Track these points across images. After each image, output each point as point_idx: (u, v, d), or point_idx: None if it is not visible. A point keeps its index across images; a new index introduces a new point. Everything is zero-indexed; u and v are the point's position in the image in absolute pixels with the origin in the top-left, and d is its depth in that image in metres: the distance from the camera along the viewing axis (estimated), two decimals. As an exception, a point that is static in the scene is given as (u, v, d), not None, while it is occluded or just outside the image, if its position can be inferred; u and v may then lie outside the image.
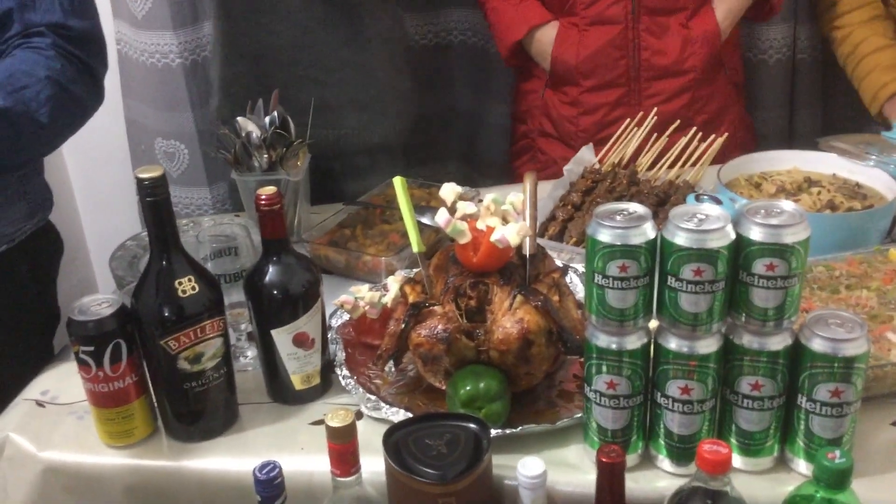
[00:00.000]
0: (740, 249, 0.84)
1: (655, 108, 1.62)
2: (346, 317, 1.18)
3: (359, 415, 1.02)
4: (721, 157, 1.48)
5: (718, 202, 1.21)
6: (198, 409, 1.02)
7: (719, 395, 0.90)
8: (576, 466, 0.94)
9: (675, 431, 0.90)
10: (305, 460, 0.98)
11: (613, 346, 0.88)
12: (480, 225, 1.02)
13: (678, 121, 1.61)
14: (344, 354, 1.13)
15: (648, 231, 0.85)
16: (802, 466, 0.91)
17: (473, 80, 2.14)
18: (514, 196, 1.04)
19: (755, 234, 0.83)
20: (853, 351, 0.85)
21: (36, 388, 1.15)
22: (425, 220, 1.32)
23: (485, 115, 2.16)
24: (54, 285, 1.46)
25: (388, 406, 1.03)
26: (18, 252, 1.33)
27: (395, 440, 0.87)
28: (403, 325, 1.01)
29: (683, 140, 1.54)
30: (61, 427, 1.07)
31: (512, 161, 1.99)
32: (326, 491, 0.88)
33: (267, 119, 1.41)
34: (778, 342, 0.87)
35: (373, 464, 0.89)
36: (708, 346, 0.87)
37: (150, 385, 1.02)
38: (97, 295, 1.00)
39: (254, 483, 0.83)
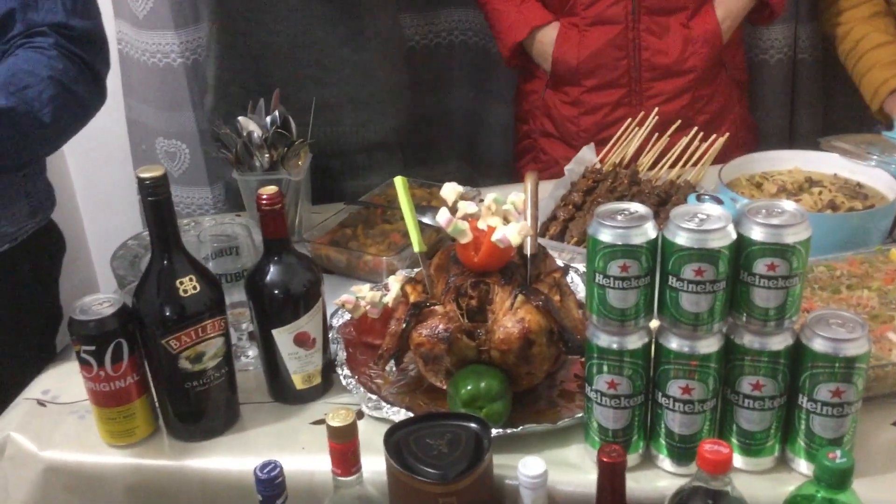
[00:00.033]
0: (741, 249, 0.84)
1: (657, 108, 1.62)
2: (348, 316, 1.18)
3: (360, 414, 1.02)
4: (722, 158, 1.48)
5: (719, 202, 1.21)
6: (199, 409, 1.02)
7: (720, 394, 0.90)
8: (577, 466, 0.94)
9: (676, 431, 0.90)
10: (306, 460, 0.98)
11: (614, 346, 0.88)
12: (482, 225, 1.02)
13: (679, 121, 1.61)
14: (345, 354, 1.13)
15: (649, 231, 0.85)
16: (803, 466, 0.91)
17: (474, 80, 2.14)
18: (516, 196, 1.04)
19: (756, 233, 0.83)
20: (854, 351, 0.85)
21: (37, 387, 1.15)
22: (426, 219, 1.33)
23: (486, 115, 2.16)
24: (56, 284, 1.46)
25: (389, 406, 1.03)
26: (21, 251, 1.33)
27: (396, 440, 0.87)
28: (404, 325, 1.01)
29: (685, 140, 1.54)
30: (62, 426, 1.07)
31: (514, 161, 1.99)
32: (327, 490, 0.88)
33: (268, 118, 1.41)
34: (779, 342, 0.87)
35: (374, 463, 0.89)
36: (709, 345, 0.87)
37: (152, 384, 1.02)
38: (98, 294, 1.00)
39: (255, 482, 0.84)
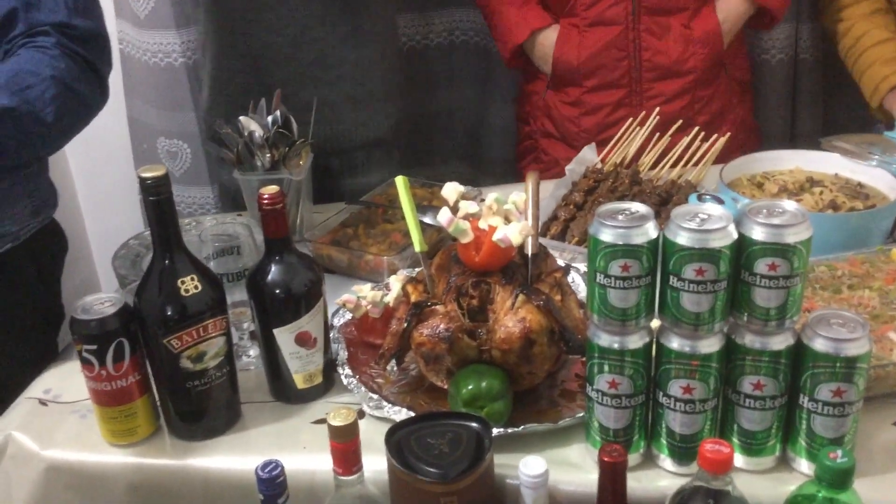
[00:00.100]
0: (742, 249, 0.84)
1: (658, 108, 1.62)
2: (349, 316, 1.18)
3: (361, 414, 1.02)
4: (722, 158, 1.48)
5: (720, 202, 1.21)
6: (200, 408, 1.02)
7: (721, 394, 0.90)
8: (578, 466, 0.94)
9: (677, 431, 0.90)
10: (308, 459, 0.98)
11: (615, 346, 0.88)
12: (483, 224, 1.02)
13: (680, 120, 1.61)
14: (346, 353, 1.13)
15: (650, 231, 0.85)
16: (804, 466, 0.91)
17: (476, 80, 2.14)
18: (517, 195, 1.04)
19: (757, 233, 0.83)
20: (855, 351, 0.85)
21: (39, 386, 1.15)
22: (427, 219, 1.33)
23: (487, 115, 2.16)
24: (58, 284, 1.47)
25: (390, 405, 1.03)
26: (23, 250, 1.33)
27: (397, 439, 0.87)
28: (405, 325, 1.01)
29: (686, 140, 1.54)
30: (64, 426, 1.07)
31: (516, 162, 1.99)
32: (328, 489, 0.89)
33: (270, 118, 1.42)
34: (780, 342, 0.87)
35: (375, 463, 0.89)
36: (710, 345, 0.87)
37: (153, 384, 1.02)
38: (100, 294, 1.00)
39: (256, 482, 0.84)
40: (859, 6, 1.73)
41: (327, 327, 1.08)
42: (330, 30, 1.56)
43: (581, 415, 0.97)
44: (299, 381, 1.06)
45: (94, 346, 0.97)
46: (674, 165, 1.53)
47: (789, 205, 0.86)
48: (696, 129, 1.55)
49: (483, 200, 1.05)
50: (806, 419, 0.89)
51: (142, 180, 0.93)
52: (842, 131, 1.49)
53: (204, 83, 1.69)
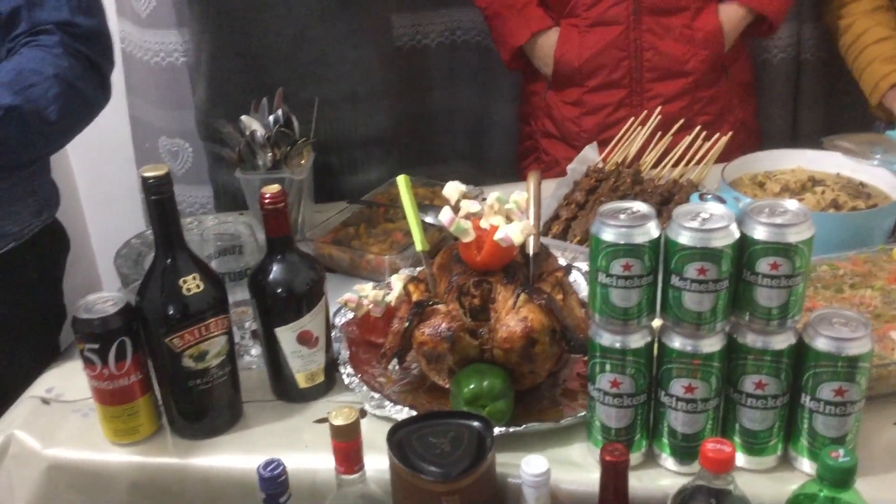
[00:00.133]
0: (744, 248, 0.84)
1: (659, 108, 1.62)
2: (350, 315, 1.18)
3: (362, 413, 1.02)
4: (724, 158, 1.48)
5: (722, 201, 1.21)
6: (202, 407, 1.02)
7: (723, 393, 0.90)
8: (579, 465, 0.94)
9: (679, 430, 0.90)
10: (309, 458, 0.98)
11: (617, 345, 0.88)
12: (484, 224, 1.02)
13: (682, 119, 1.61)
14: (348, 353, 1.13)
15: (652, 230, 0.85)
16: (806, 465, 0.91)
17: (478, 80, 2.14)
18: (518, 195, 1.04)
19: (759, 233, 0.83)
20: (857, 350, 0.85)
21: (41, 385, 1.15)
22: (429, 218, 1.33)
23: (489, 115, 2.16)
24: (60, 283, 1.47)
25: (391, 404, 1.03)
26: (25, 250, 1.33)
27: (398, 438, 0.87)
28: (407, 324, 1.01)
29: (688, 139, 1.54)
30: (66, 424, 1.07)
31: (518, 162, 1.99)
32: (330, 488, 0.89)
33: (271, 118, 1.42)
34: (782, 341, 0.87)
35: (376, 462, 0.89)
36: (712, 344, 0.87)
37: (155, 383, 1.03)
38: (102, 293, 1.01)
39: (258, 480, 0.84)
40: (860, 3, 1.73)
41: (329, 326, 1.08)
42: (329, 28, 1.56)
43: (583, 414, 0.97)
44: (301, 381, 1.06)
45: (97, 345, 0.97)
46: (675, 165, 1.53)
47: (791, 204, 0.86)
48: (698, 128, 1.55)
49: (485, 200, 1.05)
50: (808, 418, 0.89)
51: (144, 180, 0.93)
52: (844, 131, 1.49)
53: (198, 83, 1.68)
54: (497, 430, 0.93)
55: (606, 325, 0.88)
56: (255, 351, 1.16)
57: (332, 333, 1.12)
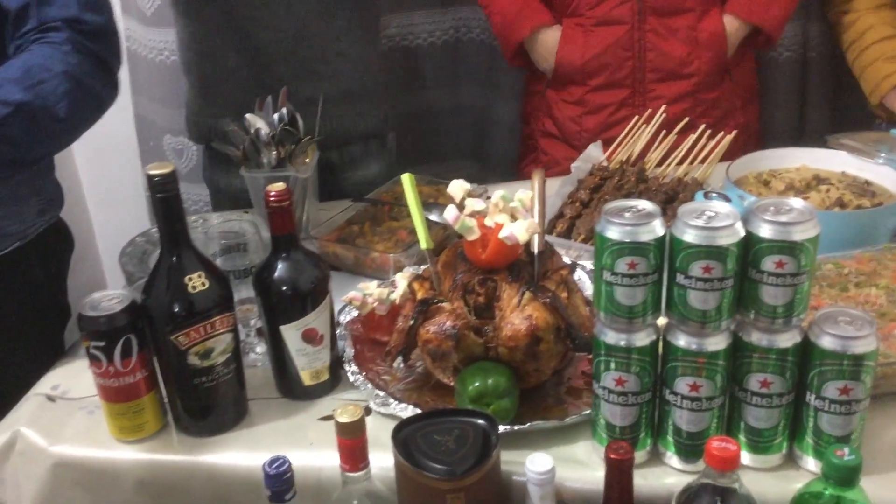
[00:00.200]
0: (750, 247, 0.84)
1: (664, 106, 1.61)
2: (355, 313, 1.18)
3: (367, 411, 1.02)
4: (728, 157, 1.48)
5: (727, 200, 1.20)
6: (208, 405, 1.02)
7: (728, 392, 0.90)
8: (584, 463, 0.94)
9: (684, 428, 0.90)
10: (315, 455, 0.98)
11: (622, 343, 0.88)
12: (489, 222, 1.02)
13: (686, 118, 1.60)
14: (353, 350, 1.13)
15: (657, 228, 0.85)
16: (811, 464, 0.91)
17: (483, 78, 2.14)
18: (523, 193, 1.04)
19: (764, 231, 0.83)
20: (862, 348, 0.85)
21: (47, 383, 1.15)
22: (433, 216, 1.33)
23: (494, 113, 2.17)
24: (65, 282, 1.47)
25: (396, 402, 1.03)
26: (30, 249, 1.33)
27: (404, 436, 0.88)
28: (412, 322, 1.01)
29: (692, 137, 1.54)
30: (72, 422, 1.07)
31: (519, 161, 1.99)
32: (335, 486, 0.89)
33: (276, 116, 1.42)
34: (787, 339, 0.86)
35: (381, 459, 0.89)
36: (717, 343, 0.87)
37: (161, 380, 1.03)
38: (108, 291, 1.01)
39: (263, 478, 0.84)
40: None
41: (334, 324, 1.08)
42: (328, 25, 1.56)
43: (587, 412, 0.97)
44: (306, 378, 1.06)
45: (102, 343, 0.97)
46: (680, 163, 1.53)
47: (797, 202, 0.86)
48: (703, 126, 1.55)
49: (489, 198, 1.05)
50: (813, 417, 0.89)
51: (150, 177, 0.93)
52: (849, 129, 1.49)
53: (191, 83, 1.66)
54: (502, 428, 0.93)
55: (611, 324, 0.88)
56: (260, 348, 1.16)
57: (337, 331, 1.12)
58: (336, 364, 1.09)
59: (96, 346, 0.97)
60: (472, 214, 1.03)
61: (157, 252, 0.99)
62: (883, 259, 1.17)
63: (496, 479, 0.88)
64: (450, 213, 1.01)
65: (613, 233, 0.84)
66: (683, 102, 1.69)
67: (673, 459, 0.93)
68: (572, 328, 0.99)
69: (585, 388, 1.03)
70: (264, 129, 1.39)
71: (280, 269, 1.02)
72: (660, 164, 1.55)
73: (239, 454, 1.01)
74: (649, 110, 1.62)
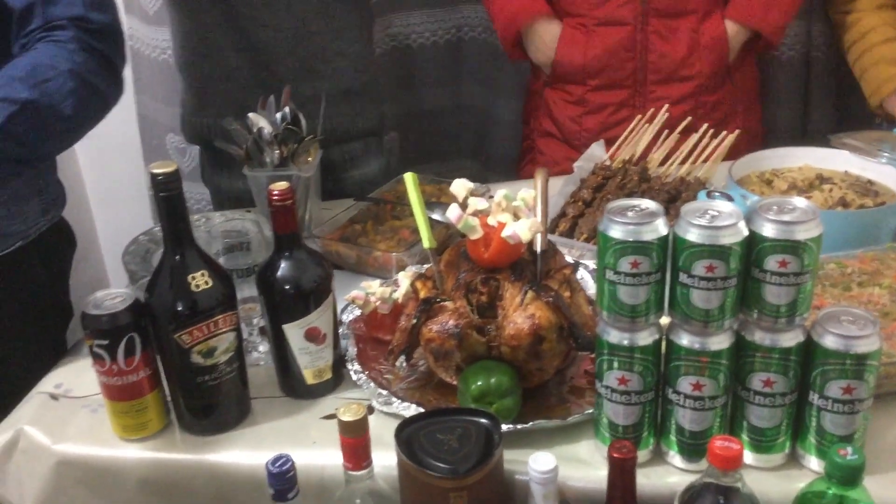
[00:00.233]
0: (753, 246, 0.84)
1: (666, 105, 1.61)
2: (358, 312, 1.18)
3: (370, 409, 1.02)
4: (731, 157, 1.47)
5: (730, 199, 1.20)
6: (211, 403, 1.02)
7: (731, 391, 0.90)
8: (587, 462, 0.95)
9: (687, 427, 0.90)
10: (318, 454, 0.98)
11: (625, 342, 0.88)
12: (492, 221, 1.02)
13: (689, 118, 1.60)
14: (355, 349, 1.13)
15: (660, 227, 0.85)
16: (814, 463, 0.91)
17: (484, 77, 2.14)
18: (526, 192, 1.04)
19: (768, 230, 0.83)
20: (865, 348, 0.85)
21: (50, 381, 1.15)
22: (436, 215, 1.33)
23: (495, 112, 2.17)
24: (67, 281, 1.47)
25: (399, 401, 1.03)
26: (32, 248, 1.34)
27: (406, 434, 0.88)
28: (415, 321, 1.01)
29: (695, 136, 1.54)
30: (75, 420, 1.08)
31: (519, 161, 1.99)
32: (338, 484, 0.89)
33: (278, 115, 1.42)
34: (790, 339, 0.86)
35: (384, 458, 0.89)
36: (720, 342, 0.87)
37: (164, 379, 1.03)
38: (111, 289, 1.01)
39: (266, 476, 0.84)
40: None
41: (336, 323, 1.08)
42: (327, 24, 1.56)
43: (590, 411, 0.97)
44: (309, 377, 1.07)
45: (106, 341, 0.97)
46: (683, 162, 1.53)
47: (800, 202, 0.86)
48: (705, 126, 1.55)
49: (492, 197, 1.05)
50: (816, 416, 0.89)
51: (153, 176, 0.93)
52: (853, 129, 1.49)
53: (187, 83, 1.65)
54: (505, 427, 0.93)
55: (614, 323, 0.88)
56: (263, 347, 1.16)
57: (340, 330, 1.12)
58: (339, 363, 1.09)
59: (99, 345, 0.97)
60: (475, 213, 1.03)
61: (160, 251, 1.00)
62: (886, 258, 1.16)
63: (499, 478, 0.88)
64: (452, 212, 1.01)
65: (616, 232, 0.84)
66: (684, 104, 1.68)
67: (676, 459, 0.93)
68: (575, 327, 0.99)
69: (588, 388, 1.03)
70: (267, 128, 1.39)
71: (283, 268, 1.02)
72: (662, 163, 1.54)
73: (242, 453, 1.01)
74: (651, 110, 1.62)
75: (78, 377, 1.14)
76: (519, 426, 0.97)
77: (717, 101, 1.72)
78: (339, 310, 1.12)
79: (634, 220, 0.84)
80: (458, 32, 2.11)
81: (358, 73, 1.63)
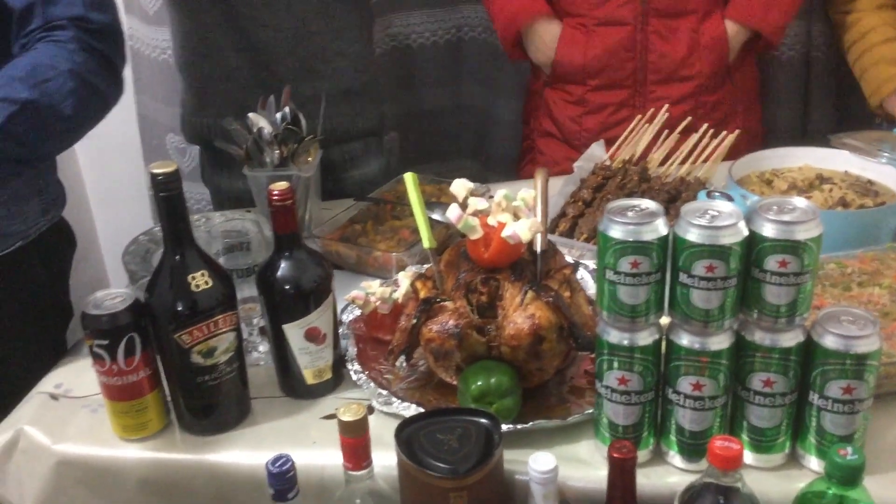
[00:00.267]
0: (753, 246, 0.84)
1: (666, 105, 1.61)
2: (358, 312, 1.18)
3: (370, 409, 1.02)
4: (731, 157, 1.47)
5: (730, 199, 1.20)
6: (211, 403, 1.02)
7: (731, 391, 0.90)
8: (587, 462, 0.95)
9: (687, 427, 0.90)
10: (317, 454, 0.98)
11: (625, 342, 0.88)
12: (492, 221, 1.02)
13: (690, 117, 1.60)
14: (355, 349, 1.13)
15: (660, 227, 0.85)
16: (814, 463, 0.91)
17: (485, 77, 2.14)
18: (526, 192, 1.04)
19: (768, 230, 0.83)
20: (865, 348, 0.85)
21: (50, 381, 1.15)
22: (436, 215, 1.33)
23: (495, 112, 2.17)
24: (67, 281, 1.47)
25: (399, 401, 1.03)
26: (32, 249, 1.34)
27: (407, 434, 0.88)
28: (415, 321, 1.01)
29: (695, 136, 1.54)
30: (75, 420, 1.08)
31: (519, 161, 1.99)
32: (338, 484, 0.89)
33: (278, 115, 1.42)
34: (790, 339, 0.86)
35: (383, 458, 0.89)
36: (720, 342, 0.87)
37: (164, 379, 1.03)
38: (111, 289, 1.01)
39: (266, 476, 0.84)
40: None
41: (336, 323, 1.08)
42: (327, 24, 1.56)
43: (590, 411, 0.97)
44: (309, 377, 1.07)
45: (106, 341, 0.97)
46: (683, 162, 1.53)
47: (800, 202, 0.86)
48: (705, 126, 1.55)
49: (492, 197, 1.05)
50: (816, 416, 0.89)
51: (153, 176, 0.93)
52: (853, 129, 1.49)
53: (187, 83, 1.65)
54: (504, 427, 0.93)
55: (614, 323, 0.88)
56: (263, 347, 1.16)
57: (340, 330, 1.12)
58: (339, 363, 1.09)
59: (99, 345, 0.97)
60: (475, 213, 1.03)
61: (159, 251, 1.00)
62: (886, 259, 1.17)
63: (499, 478, 0.88)
64: (452, 212, 1.01)
65: (616, 232, 0.84)
66: (684, 104, 1.68)
67: (676, 459, 0.93)
68: (575, 327, 0.99)
69: (588, 388, 1.03)
70: (267, 128, 1.39)
71: (283, 267, 1.02)
72: (662, 163, 1.54)
73: (242, 453, 1.01)
74: (651, 110, 1.62)
75: (78, 377, 1.14)
76: (519, 426, 0.97)
77: (717, 101, 1.72)
78: (339, 310, 1.12)
79: (634, 220, 0.84)
80: (458, 32, 2.11)
81: (358, 73, 1.64)
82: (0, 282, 1.29)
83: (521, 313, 0.98)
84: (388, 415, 1.02)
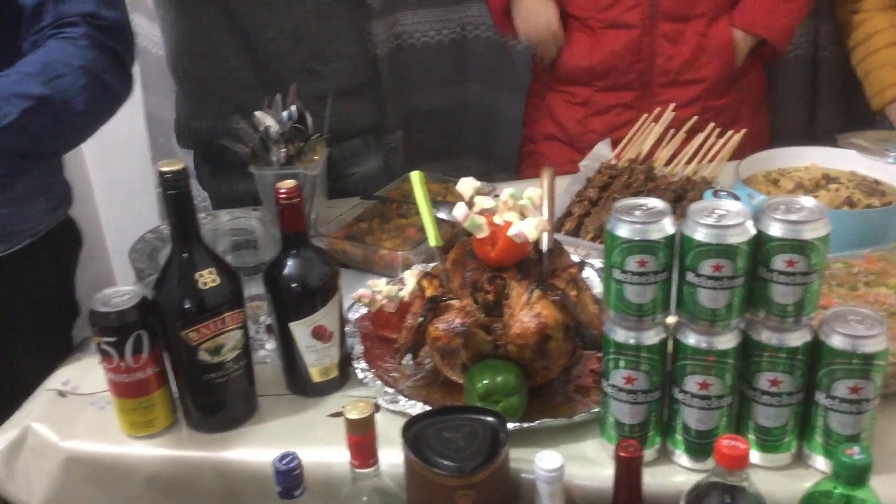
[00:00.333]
0: (760, 245, 0.84)
1: (673, 104, 1.61)
2: (364, 310, 1.19)
3: (376, 407, 1.02)
4: (737, 157, 1.47)
5: (736, 198, 1.20)
6: (218, 401, 1.02)
7: (738, 390, 0.90)
8: (593, 461, 0.95)
9: (693, 427, 0.90)
10: (324, 452, 0.98)
11: (632, 341, 0.88)
12: (498, 220, 1.02)
13: (696, 117, 1.60)
14: (362, 347, 1.13)
15: (667, 226, 0.85)
16: (821, 463, 0.91)
17: (489, 76, 2.14)
18: (532, 191, 1.04)
19: (775, 229, 0.83)
20: (872, 348, 0.85)
21: (57, 378, 1.16)
22: (442, 214, 1.33)
23: (500, 111, 2.16)
24: (73, 279, 1.48)
25: (405, 399, 1.03)
26: (40, 247, 1.34)
27: (413, 433, 0.88)
28: (421, 319, 1.01)
29: (701, 136, 1.54)
30: (83, 417, 1.08)
31: (519, 163, 1.99)
32: (345, 482, 0.89)
33: (285, 114, 1.42)
34: (797, 338, 0.86)
35: (389, 456, 0.89)
36: (727, 341, 0.87)
37: (171, 376, 1.03)
38: (119, 287, 1.01)
39: (273, 474, 0.84)
40: None
41: (343, 321, 1.09)
42: (326, 24, 1.56)
43: (596, 410, 0.97)
44: (315, 375, 1.07)
45: (114, 339, 0.97)
46: (689, 162, 1.52)
47: (807, 201, 0.86)
48: (711, 125, 1.55)
49: (498, 196, 1.05)
50: (822, 416, 0.89)
51: (161, 174, 0.94)
52: (860, 129, 1.48)
53: (183, 87, 1.64)
54: (511, 426, 0.94)
55: (621, 322, 0.88)
56: (270, 345, 1.16)
57: (346, 328, 1.13)
58: (345, 361, 1.10)
59: (107, 342, 0.98)
60: (482, 212, 1.03)
61: (167, 249, 1.00)
62: (892, 258, 1.16)
63: (505, 477, 0.88)
64: (459, 210, 1.02)
65: (623, 230, 0.84)
66: (691, 108, 1.67)
67: (682, 458, 0.93)
68: (581, 326, 0.99)
69: (594, 386, 1.03)
70: (274, 126, 1.40)
71: (290, 266, 1.03)
72: (668, 162, 1.54)
73: (249, 450, 1.01)
74: (657, 109, 1.62)
75: (85, 374, 1.15)
76: (525, 425, 0.97)
77: (723, 106, 1.71)
78: (345, 308, 1.12)
79: (642, 219, 0.84)
80: (462, 31, 2.11)
81: (356, 72, 1.64)
82: (7, 279, 1.30)
83: (527, 312, 0.98)
84: (394, 413, 1.02)
